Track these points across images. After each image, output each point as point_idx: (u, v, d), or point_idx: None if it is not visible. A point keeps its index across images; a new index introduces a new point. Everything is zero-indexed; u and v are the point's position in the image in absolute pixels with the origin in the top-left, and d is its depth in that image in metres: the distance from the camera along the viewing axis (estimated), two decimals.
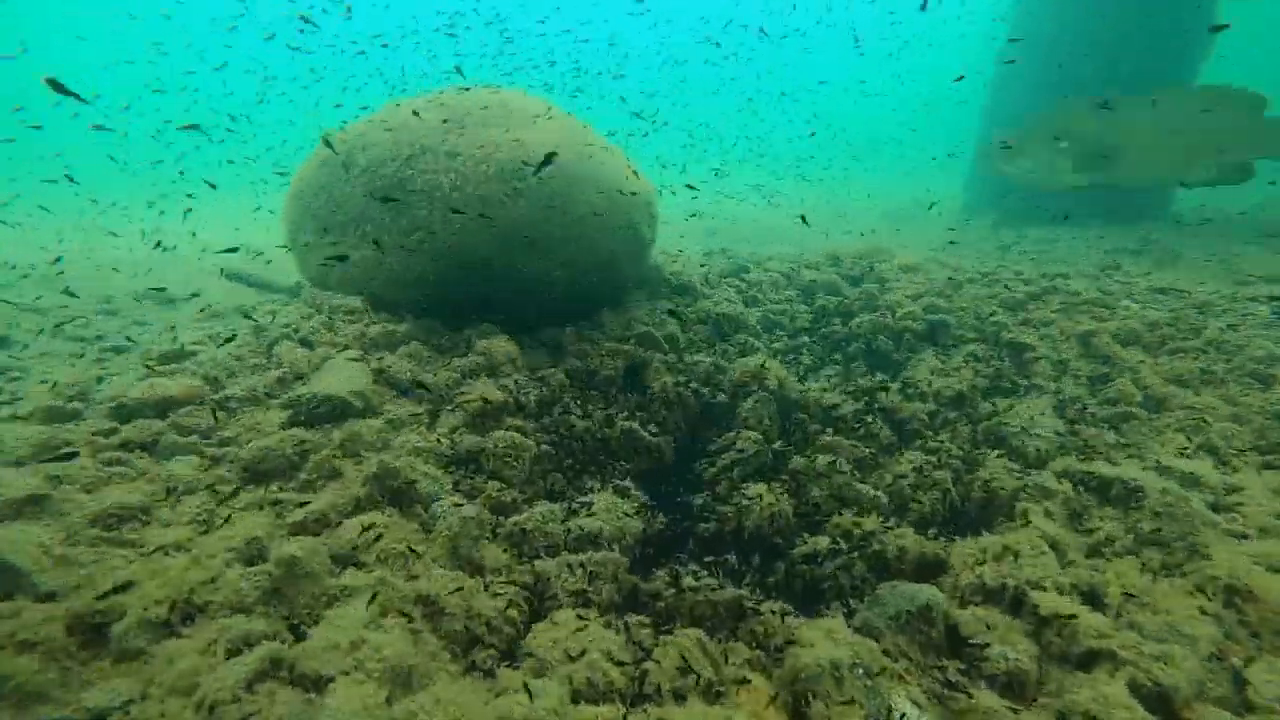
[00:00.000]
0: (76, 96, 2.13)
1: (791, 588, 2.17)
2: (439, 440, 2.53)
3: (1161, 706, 1.57)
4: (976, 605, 1.92)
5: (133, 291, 5.57)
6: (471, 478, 2.42)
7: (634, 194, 3.83)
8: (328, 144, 3.48)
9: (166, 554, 1.85)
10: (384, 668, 1.49)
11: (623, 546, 2.14)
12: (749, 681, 1.61)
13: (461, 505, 2.19)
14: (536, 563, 1.99)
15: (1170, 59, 9.86)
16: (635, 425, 2.89)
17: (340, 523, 2.05)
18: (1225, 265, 6.66)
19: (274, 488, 2.21)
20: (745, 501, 2.41)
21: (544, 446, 2.67)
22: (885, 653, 1.71)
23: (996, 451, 2.87)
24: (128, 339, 3.99)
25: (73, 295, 4.92)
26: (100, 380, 3.00)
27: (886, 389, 3.40)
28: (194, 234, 8.81)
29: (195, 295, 5.58)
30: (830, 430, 3.03)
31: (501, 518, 2.23)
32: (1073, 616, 1.78)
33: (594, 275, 3.67)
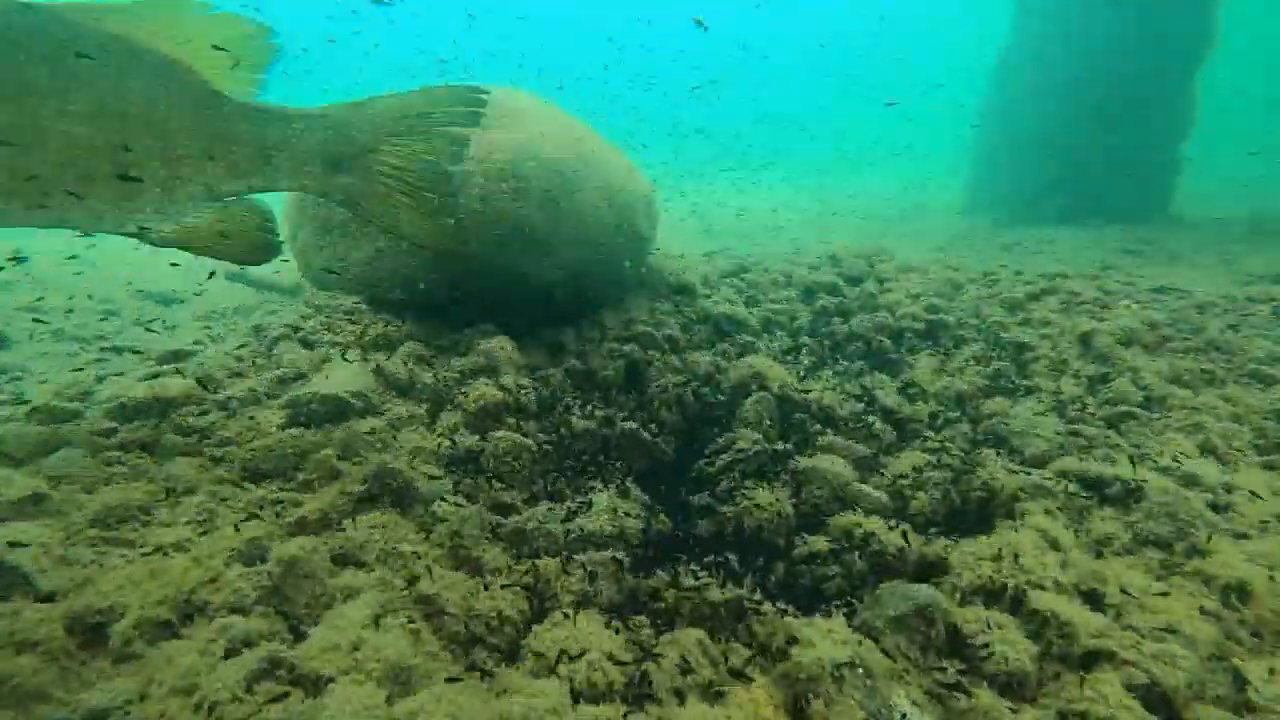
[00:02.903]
0: None
1: (792, 588, 2.17)
2: (439, 440, 2.54)
3: (1161, 706, 1.57)
4: (976, 605, 1.91)
5: (133, 291, 5.57)
6: (472, 478, 2.42)
7: (634, 193, 3.83)
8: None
9: (166, 554, 1.85)
10: (384, 668, 1.49)
11: (623, 546, 2.14)
12: (749, 681, 1.61)
13: (461, 505, 2.19)
14: (537, 563, 1.99)
15: (1172, 58, 9.85)
16: (635, 425, 2.89)
17: (340, 522, 2.05)
18: (1225, 265, 6.66)
19: (274, 487, 2.21)
20: (745, 501, 2.41)
21: (544, 446, 2.67)
22: (885, 653, 1.71)
23: (996, 451, 2.87)
24: (134, 333, 3.99)
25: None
26: (100, 380, 3.00)
27: (886, 389, 3.39)
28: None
29: (196, 295, 5.58)
30: (830, 430, 3.03)
31: (501, 518, 2.23)
32: (1073, 616, 1.78)
33: (594, 275, 3.66)
